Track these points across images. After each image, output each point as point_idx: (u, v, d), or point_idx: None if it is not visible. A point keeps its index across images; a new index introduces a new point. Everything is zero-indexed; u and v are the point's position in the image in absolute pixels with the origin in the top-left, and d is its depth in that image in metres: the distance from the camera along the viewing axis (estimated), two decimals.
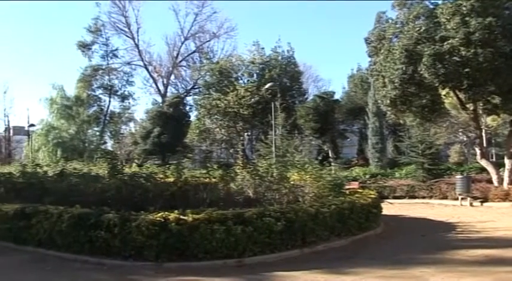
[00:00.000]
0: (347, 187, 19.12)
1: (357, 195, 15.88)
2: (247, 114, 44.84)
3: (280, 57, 48.20)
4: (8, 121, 62.16)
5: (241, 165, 16.28)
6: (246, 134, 49.57)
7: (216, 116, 48.00)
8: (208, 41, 63.52)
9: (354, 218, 13.74)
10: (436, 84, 23.64)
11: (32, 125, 57.87)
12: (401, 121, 32.12)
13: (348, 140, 50.55)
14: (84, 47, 60.01)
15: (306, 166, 16.65)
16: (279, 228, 11.32)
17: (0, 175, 19.09)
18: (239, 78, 48.56)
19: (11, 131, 65.38)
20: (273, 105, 33.50)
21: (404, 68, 23.64)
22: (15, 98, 67.78)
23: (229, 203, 13.27)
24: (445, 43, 22.10)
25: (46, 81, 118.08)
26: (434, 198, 26.42)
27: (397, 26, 25.53)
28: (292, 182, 15.09)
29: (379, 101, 30.29)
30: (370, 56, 28.13)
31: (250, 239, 10.97)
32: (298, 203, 13.63)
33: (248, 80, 47.80)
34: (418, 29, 23.45)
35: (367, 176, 32.41)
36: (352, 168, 37.53)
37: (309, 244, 12.16)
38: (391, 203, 19.18)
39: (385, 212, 16.70)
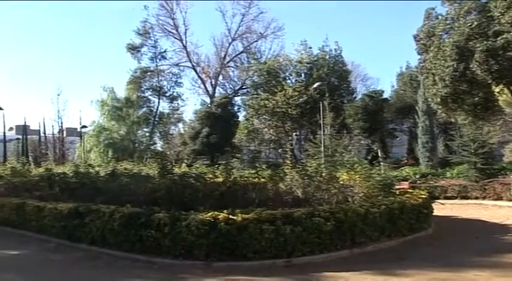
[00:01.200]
0: (397, 187, 18.82)
1: (407, 195, 15.64)
2: (296, 114, 44.66)
3: (327, 57, 47.74)
4: (62, 123, 63.53)
5: (290, 165, 16.26)
6: (294, 134, 49.39)
7: (264, 116, 47.98)
8: (256, 41, 63.52)
9: (404, 219, 13.56)
10: (489, 81, 23.05)
11: (84, 126, 59.21)
12: (452, 120, 31.49)
13: (398, 139, 49.77)
14: (134, 49, 60.93)
15: (355, 166, 16.48)
16: (328, 228, 11.31)
17: (55, 175, 19.63)
18: (287, 78, 48.36)
19: (64, 132, 66.91)
20: (321, 105, 33.35)
21: (455, 65, 23.16)
22: (68, 101, 69.24)
23: (278, 203, 13.32)
24: (499, 38, 21.53)
25: (97, 84, 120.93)
26: (487, 199, 25.56)
27: (448, 22, 25.03)
28: (341, 182, 15.00)
29: (429, 100, 29.80)
30: (419, 54, 27.71)
31: (299, 239, 10.99)
32: (348, 203, 13.56)
33: (296, 80, 47.54)
34: (469, 24, 22.92)
35: (417, 176, 31.76)
36: (402, 168, 36.84)
37: (359, 244, 12.09)
38: (442, 204, 18.72)
39: (436, 212, 16.36)
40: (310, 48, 48.34)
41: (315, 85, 36.63)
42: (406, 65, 50.98)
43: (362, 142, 41.08)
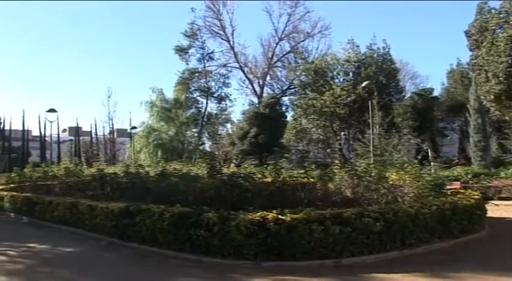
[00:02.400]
0: (448, 187, 18.44)
1: (459, 196, 15.31)
2: (344, 114, 44.41)
3: (375, 55, 47.21)
4: (112, 124, 65.07)
5: (339, 165, 16.17)
6: (342, 133, 49.03)
7: (312, 115, 47.84)
8: (303, 40, 63.39)
9: (456, 220, 13.24)
10: None
11: (134, 127, 60.38)
12: (506, 117, 30.59)
13: (448, 138, 48.84)
14: (181, 51, 61.72)
15: (405, 166, 16.22)
16: (377, 229, 11.18)
17: (106, 175, 20.05)
18: (335, 77, 48.07)
19: (115, 133, 68.34)
20: (369, 104, 33.02)
21: (510, 61, 22.50)
22: (118, 103, 70.63)
23: (327, 203, 13.23)
24: None
25: (146, 86, 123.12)
26: None
27: (501, 16, 24.35)
28: (391, 182, 14.80)
29: (482, 97, 29.11)
30: (471, 50, 27.08)
31: (348, 239, 10.90)
32: (397, 204, 13.37)
33: (344, 79, 47.22)
34: None
35: (469, 176, 30.98)
36: (453, 167, 36.14)
37: (409, 245, 11.89)
38: (496, 205, 18.21)
39: (490, 214, 15.91)
40: (358, 46, 47.95)
41: (363, 84, 36.22)
42: (456, 62, 50.10)
43: (411, 141, 40.36)
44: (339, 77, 48.19)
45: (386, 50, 47.68)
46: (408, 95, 48.42)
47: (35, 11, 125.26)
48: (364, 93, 39.82)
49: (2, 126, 68.68)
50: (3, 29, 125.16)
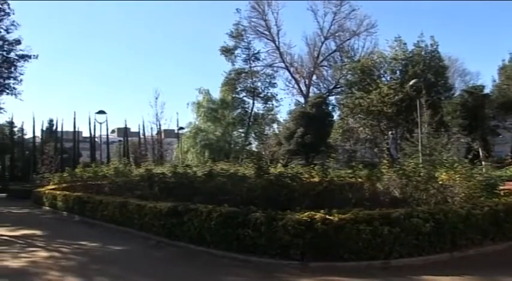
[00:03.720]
0: (501, 187, 17.95)
1: None
2: (391, 113, 43.81)
3: (423, 52, 46.34)
4: (160, 125, 66.11)
5: (387, 164, 15.98)
6: (390, 132, 48.30)
7: (359, 115, 47.39)
8: (349, 39, 62.93)
9: (510, 222, 12.84)
10: None
11: (181, 128, 61.28)
12: None
13: (500, 137, 47.49)
14: (227, 51, 62.21)
15: (455, 165, 15.87)
16: (427, 230, 10.99)
17: (155, 175, 20.36)
18: (381, 75, 47.52)
19: (162, 134, 69.36)
20: (417, 103, 32.43)
21: None
22: (165, 103, 71.62)
23: (375, 203, 13.09)
24: None
25: (192, 87, 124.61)
26: None
27: None
28: (440, 182, 14.51)
29: None
30: None
31: (397, 240, 10.76)
32: (447, 204, 13.10)
33: (391, 78, 46.62)
34: None
35: None
36: (506, 167, 35.16)
37: (460, 247, 11.60)
38: None
39: None
40: (405, 44, 47.19)
41: (411, 82, 35.58)
42: (509, 57, 48.71)
43: (461, 140, 39.51)
44: (385, 75, 47.63)
45: (435, 47, 46.75)
46: (458, 92, 47.48)
47: (84, 13, 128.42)
48: (412, 92, 39.11)
49: (54, 128, 70.75)
50: (53, 33, 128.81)
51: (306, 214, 11.22)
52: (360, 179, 15.09)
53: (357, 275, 10.05)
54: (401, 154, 34.11)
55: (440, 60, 47.40)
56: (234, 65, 63.13)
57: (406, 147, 31.94)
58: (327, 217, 10.97)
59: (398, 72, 46.41)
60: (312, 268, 10.60)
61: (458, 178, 14.54)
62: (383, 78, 47.07)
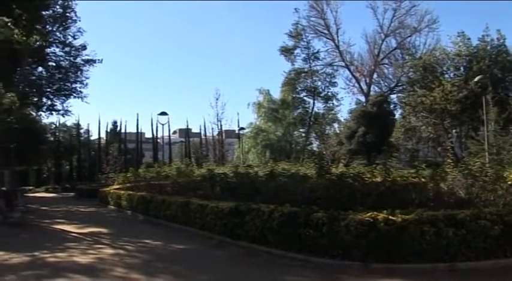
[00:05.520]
0: None
1: None
2: (455, 110, 42.64)
3: (489, 47, 44.75)
4: (221, 125, 66.70)
5: (451, 164, 15.60)
6: (454, 131, 47.12)
7: (421, 113, 46.40)
8: (410, 36, 61.79)
9: None
10: None
11: (242, 128, 61.62)
12: None
13: None
14: (287, 51, 62.22)
15: None
16: (495, 232, 10.62)
17: (216, 175, 20.59)
18: (444, 72, 46.31)
19: (223, 134, 70.01)
20: (483, 100, 31.49)
21: None
22: (226, 104, 72.33)
23: (439, 204, 12.84)
24: None
25: (253, 87, 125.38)
26: None
27: None
28: (509, 183, 14.00)
29: None
30: None
31: (463, 242, 10.48)
32: None
33: (454, 74, 45.36)
34: None
35: None
36: None
37: None
38: None
39: None
40: (469, 39, 45.71)
41: (476, 79, 34.55)
42: None
43: None
44: (449, 72, 46.36)
45: (501, 41, 45.14)
46: None
47: (146, 16, 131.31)
48: (477, 89, 37.98)
49: (118, 129, 72.68)
50: (116, 36, 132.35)
51: (369, 214, 11.13)
52: (423, 179, 14.74)
53: (420, 278, 9.90)
54: (466, 153, 33.23)
55: (508, 55, 45.56)
56: (293, 64, 63.19)
57: (471, 146, 31.10)
58: (390, 217, 10.85)
59: (462, 68, 45.09)
60: (374, 270, 10.51)
61: None
62: (446, 75, 45.84)
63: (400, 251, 10.60)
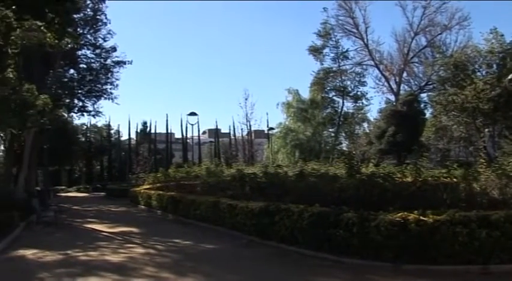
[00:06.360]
0: None
1: None
2: (488, 109, 41.83)
3: None
4: (250, 125, 66.89)
5: (484, 164, 15.34)
6: (486, 130, 46.33)
7: (453, 112, 45.71)
8: (440, 34, 60.77)
9: None
10: None
11: (271, 128, 61.78)
12: None
13: None
14: (316, 51, 61.85)
15: None
16: None
17: (246, 175, 20.67)
18: (476, 70, 45.54)
19: (253, 134, 70.14)
20: None
21: None
22: (255, 104, 72.50)
23: (472, 204, 12.63)
24: None
25: (282, 87, 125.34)
26: None
27: None
28: None
29: None
30: None
31: (496, 244, 10.25)
32: None
33: (487, 72, 44.52)
34: None
35: None
36: None
37: None
38: None
39: None
40: (502, 36, 44.77)
41: (510, 76, 34.01)
42: None
43: None
44: (481, 70, 45.51)
45: None
46: None
47: (175, 18, 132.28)
48: (511, 86, 37.37)
49: (148, 130, 73.47)
50: (145, 37, 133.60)
51: (399, 214, 11.03)
52: (454, 179, 14.54)
53: (452, 280, 9.72)
54: (499, 152, 32.68)
55: None
56: (322, 64, 62.74)
57: (505, 145, 30.56)
58: (421, 218, 10.73)
59: (494, 66, 44.21)
60: (405, 271, 10.42)
61: None
62: (478, 73, 45.07)
63: (431, 253, 10.48)
